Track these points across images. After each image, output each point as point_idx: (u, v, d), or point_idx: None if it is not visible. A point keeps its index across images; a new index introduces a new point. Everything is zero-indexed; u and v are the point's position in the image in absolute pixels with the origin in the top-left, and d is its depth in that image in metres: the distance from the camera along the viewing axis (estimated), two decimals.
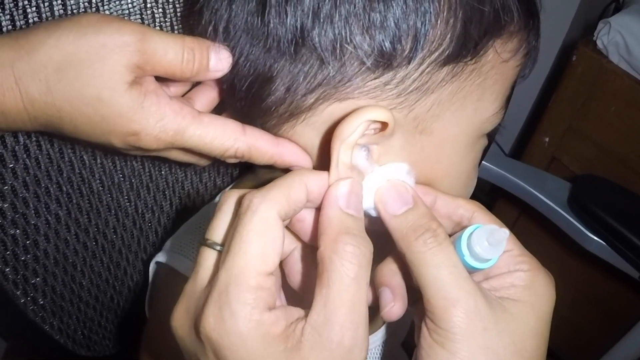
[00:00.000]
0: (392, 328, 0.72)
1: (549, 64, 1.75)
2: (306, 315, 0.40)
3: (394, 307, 0.45)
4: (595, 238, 1.09)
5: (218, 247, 0.42)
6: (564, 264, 1.61)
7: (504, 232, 0.43)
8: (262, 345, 0.38)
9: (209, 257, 0.43)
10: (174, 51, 0.48)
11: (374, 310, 0.68)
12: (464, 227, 0.46)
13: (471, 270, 0.44)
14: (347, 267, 0.40)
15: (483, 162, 1.16)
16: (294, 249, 0.49)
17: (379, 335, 0.70)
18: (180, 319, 0.42)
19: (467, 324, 0.40)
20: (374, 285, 0.48)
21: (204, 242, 0.43)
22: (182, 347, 0.43)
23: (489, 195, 2.00)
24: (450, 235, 0.46)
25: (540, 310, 0.44)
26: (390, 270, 0.47)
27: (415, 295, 0.45)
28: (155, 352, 0.68)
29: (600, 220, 1.07)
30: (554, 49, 1.71)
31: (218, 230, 0.43)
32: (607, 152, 1.45)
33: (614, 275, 1.30)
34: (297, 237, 0.49)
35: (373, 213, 0.47)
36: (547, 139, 1.57)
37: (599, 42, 1.39)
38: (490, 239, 0.43)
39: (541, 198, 1.15)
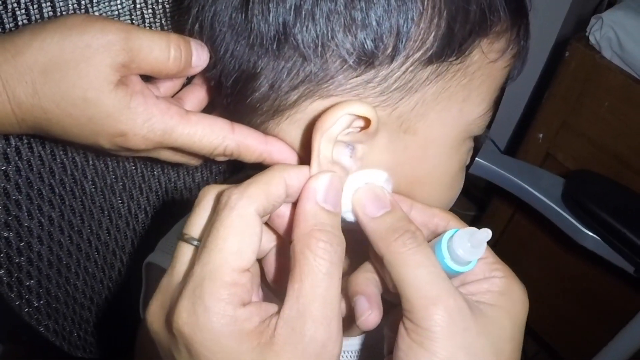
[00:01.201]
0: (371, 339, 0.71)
1: (542, 60, 1.75)
2: (279, 311, 0.40)
3: (371, 315, 0.45)
4: (590, 233, 1.10)
5: (195, 242, 0.42)
6: (559, 260, 1.62)
7: (486, 232, 0.43)
8: (235, 341, 0.38)
9: (185, 252, 0.43)
10: (160, 48, 0.48)
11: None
12: (439, 234, 0.46)
13: (450, 274, 0.44)
14: (319, 262, 0.40)
15: (477, 158, 1.16)
16: (273, 246, 0.49)
17: (356, 340, 0.70)
18: (155, 313, 0.42)
19: (448, 322, 0.40)
20: (348, 294, 0.47)
21: (181, 236, 0.43)
22: (157, 341, 0.43)
23: (483, 192, 2.01)
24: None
25: (516, 316, 0.44)
26: (365, 279, 0.47)
27: (386, 305, 0.45)
28: (150, 352, 0.68)
29: (595, 216, 1.07)
30: (547, 45, 1.71)
31: (196, 225, 0.43)
32: (601, 148, 1.46)
33: (609, 270, 1.30)
34: (276, 233, 0.48)
35: (349, 218, 0.47)
36: (541, 135, 1.57)
37: (591, 38, 1.39)
38: (473, 240, 0.43)
39: (536, 194, 1.15)
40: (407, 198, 0.49)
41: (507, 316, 0.44)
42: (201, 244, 0.41)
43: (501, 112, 0.55)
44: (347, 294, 0.47)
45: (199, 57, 0.50)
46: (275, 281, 0.49)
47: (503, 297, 0.44)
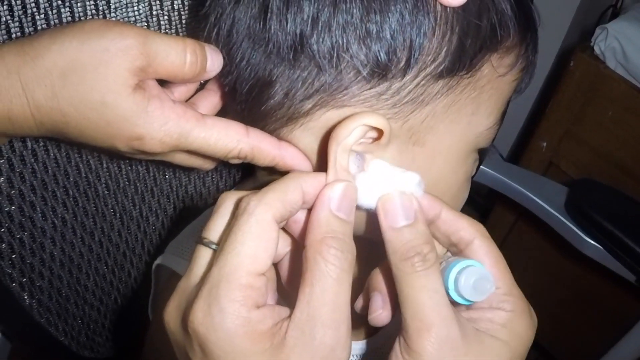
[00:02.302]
0: (375, 343, 0.72)
1: (546, 69, 1.75)
2: (291, 314, 0.41)
3: (382, 313, 0.46)
4: (592, 242, 1.10)
5: (213, 246, 0.43)
6: (561, 268, 1.62)
7: (490, 286, 0.44)
8: (248, 341, 0.39)
9: (203, 256, 0.44)
10: (176, 52, 0.48)
11: (360, 319, 0.69)
12: (460, 251, 0.46)
13: (452, 302, 0.44)
14: (330, 268, 0.41)
15: (481, 166, 1.16)
16: (289, 250, 0.50)
17: (360, 345, 0.70)
18: (171, 314, 0.43)
19: (437, 350, 0.41)
20: (367, 289, 0.48)
21: (200, 240, 0.44)
22: (173, 341, 0.44)
23: (487, 199, 2.01)
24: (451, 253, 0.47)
25: (515, 349, 0.44)
26: (384, 277, 0.48)
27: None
28: (158, 354, 0.69)
29: (597, 225, 1.07)
30: (552, 55, 1.72)
31: (214, 230, 0.44)
32: (604, 157, 1.46)
33: (611, 278, 1.30)
34: (291, 237, 0.49)
35: (371, 207, 0.47)
36: (544, 144, 1.58)
37: (596, 48, 1.40)
38: (477, 285, 0.44)
39: (539, 202, 1.15)
40: (439, 202, 0.47)
41: (506, 349, 0.44)
42: (219, 248, 0.42)
43: (505, 120, 0.56)
44: (366, 289, 0.48)
45: (214, 62, 0.50)
46: (288, 283, 0.49)
47: (505, 330, 0.44)
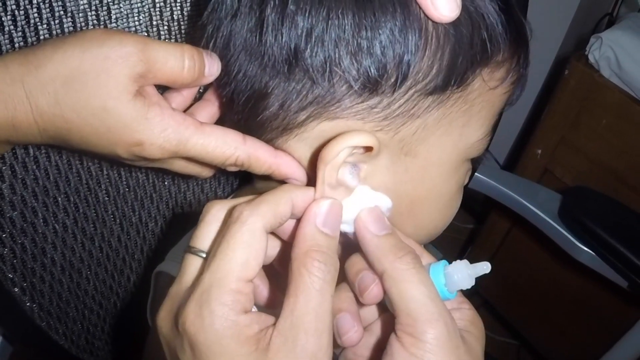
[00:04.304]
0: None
1: (542, 77, 1.76)
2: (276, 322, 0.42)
3: (357, 331, 0.47)
4: (586, 249, 1.10)
5: (202, 254, 0.45)
6: (555, 274, 1.62)
7: (487, 265, 0.46)
8: (235, 344, 0.40)
9: (192, 263, 0.45)
10: (175, 58, 0.49)
11: None
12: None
13: None
14: (313, 280, 0.42)
15: (477, 174, 1.17)
16: (277, 253, 0.51)
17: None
18: (164, 318, 0.45)
19: (446, 338, 0.42)
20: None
21: (188, 249, 0.46)
22: (164, 344, 0.45)
23: (482, 205, 2.02)
24: None
25: (482, 343, 0.47)
26: (348, 297, 0.49)
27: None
28: (157, 359, 0.69)
29: (591, 232, 1.08)
30: (547, 63, 1.72)
31: (200, 238, 0.45)
32: (598, 164, 1.47)
33: (604, 285, 1.31)
34: (281, 240, 0.51)
35: (347, 229, 0.49)
36: (539, 151, 1.59)
37: (590, 57, 1.40)
38: (470, 271, 0.46)
39: (533, 210, 1.16)
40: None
41: (478, 343, 0.46)
42: (212, 254, 0.43)
43: (501, 128, 0.57)
44: None
45: (211, 67, 0.51)
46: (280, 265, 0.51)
47: (473, 325, 0.47)
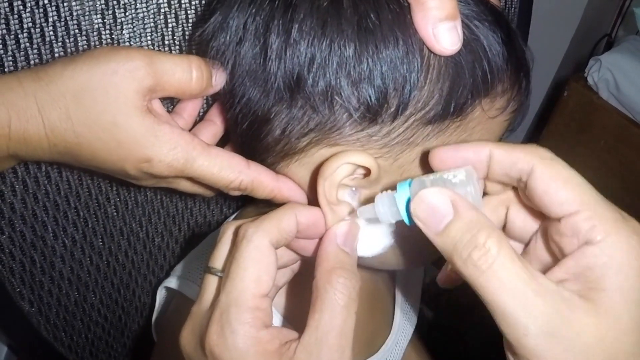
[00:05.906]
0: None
1: (540, 98, 1.78)
2: (299, 337, 0.43)
3: None
4: None
5: (219, 274, 0.46)
6: None
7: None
8: (259, 359, 0.42)
9: (211, 283, 0.47)
10: (182, 69, 0.50)
11: (373, 333, 0.71)
12: (525, 186, 0.41)
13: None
14: (339, 296, 0.43)
15: None
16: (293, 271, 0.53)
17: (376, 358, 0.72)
18: (187, 337, 0.46)
19: (548, 343, 0.36)
20: None
21: (207, 269, 0.47)
22: None
23: None
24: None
25: (632, 289, 0.37)
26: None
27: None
28: None
29: None
30: (546, 84, 1.74)
31: (219, 258, 0.47)
32: (596, 185, 1.47)
33: None
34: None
35: (366, 253, 0.51)
36: None
37: (589, 79, 1.42)
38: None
39: None
40: (486, 143, 0.43)
41: (622, 300, 0.37)
42: (224, 274, 0.45)
43: None
44: None
45: (218, 76, 0.52)
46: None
47: (610, 271, 0.37)
